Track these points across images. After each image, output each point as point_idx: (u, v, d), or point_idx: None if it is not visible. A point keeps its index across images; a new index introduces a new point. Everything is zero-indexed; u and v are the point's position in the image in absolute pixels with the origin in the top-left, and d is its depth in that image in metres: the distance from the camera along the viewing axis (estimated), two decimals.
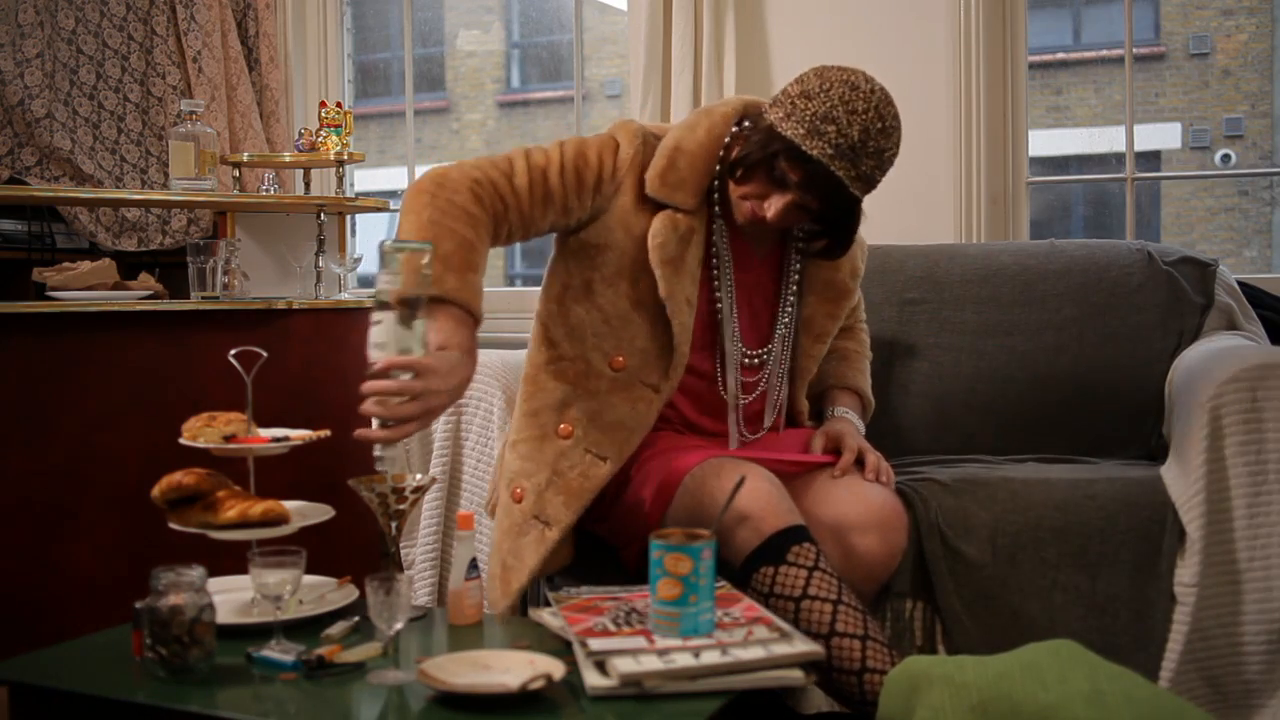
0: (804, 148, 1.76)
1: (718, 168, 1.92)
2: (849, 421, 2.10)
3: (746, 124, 1.90)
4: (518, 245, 10.32)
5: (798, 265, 2.03)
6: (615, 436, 1.90)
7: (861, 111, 1.76)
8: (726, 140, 1.91)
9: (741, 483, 1.71)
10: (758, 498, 1.74)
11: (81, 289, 2.81)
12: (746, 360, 1.99)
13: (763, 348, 2.01)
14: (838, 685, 1.67)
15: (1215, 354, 2.18)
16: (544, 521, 1.89)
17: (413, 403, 1.61)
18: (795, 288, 2.03)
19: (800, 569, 1.70)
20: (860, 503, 1.87)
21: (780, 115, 1.80)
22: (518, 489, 1.93)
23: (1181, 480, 1.99)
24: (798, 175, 1.78)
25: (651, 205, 1.89)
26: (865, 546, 1.84)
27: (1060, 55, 7.55)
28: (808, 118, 1.76)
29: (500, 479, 2.00)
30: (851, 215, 1.87)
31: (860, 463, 1.97)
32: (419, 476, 1.74)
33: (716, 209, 1.94)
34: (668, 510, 1.84)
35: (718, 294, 1.95)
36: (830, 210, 1.83)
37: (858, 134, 1.75)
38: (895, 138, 1.80)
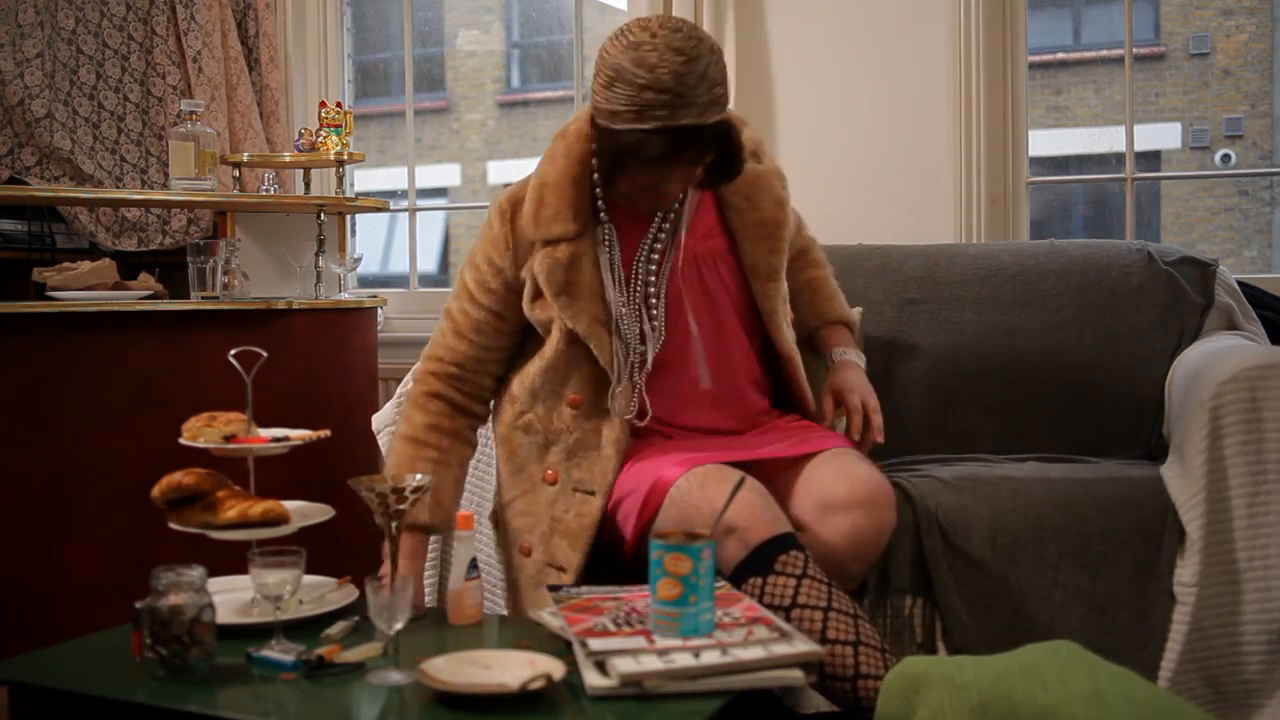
0: (643, 128, 1.75)
1: (595, 177, 1.93)
2: (852, 364, 2.12)
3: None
4: None
5: (662, 228, 1.99)
6: (596, 468, 1.94)
7: (659, 63, 1.73)
8: (594, 149, 1.91)
9: (742, 483, 1.71)
10: (743, 508, 1.73)
11: (81, 289, 2.81)
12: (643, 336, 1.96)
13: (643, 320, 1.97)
14: (832, 691, 1.67)
15: (1215, 354, 2.18)
16: (557, 567, 1.93)
17: None
18: (658, 254, 1.98)
19: (789, 578, 1.69)
20: (847, 481, 1.86)
21: (605, 115, 1.80)
22: (525, 544, 1.98)
23: (1181, 480, 1.99)
24: (660, 149, 1.77)
25: (545, 248, 1.93)
26: (852, 524, 1.83)
27: (1060, 55, 7.54)
28: (625, 102, 1.75)
29: (506, 541, 2.05)
30: (728, 139, 1.84)
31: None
32: (419, 476, 1.74)
33: (604, 217, 1.95)
34: (655, 524, 1.84)
35: (637, 289, 1.96)
36: (709, 148, 1.82)
37: (672, 82, 1.73)
38: (703, 53, 1.76)
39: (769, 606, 1.67)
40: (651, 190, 1.87)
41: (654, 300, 1.96)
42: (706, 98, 1.76)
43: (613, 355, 1.92)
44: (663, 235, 1.98)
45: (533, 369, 1.99)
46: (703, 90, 1.75)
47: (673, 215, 1.99)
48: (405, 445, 2.01)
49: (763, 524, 1.74)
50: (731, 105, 3.12)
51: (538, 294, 1.94)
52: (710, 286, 2.01)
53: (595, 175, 1.93)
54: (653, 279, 1.97)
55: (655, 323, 1.95)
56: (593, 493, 1.92)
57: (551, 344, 1.95)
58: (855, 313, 2.32)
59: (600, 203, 1.95)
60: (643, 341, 1.94)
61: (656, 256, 1.98)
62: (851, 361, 2.13)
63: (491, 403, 2.10)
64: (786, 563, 1.71)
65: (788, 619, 1.66)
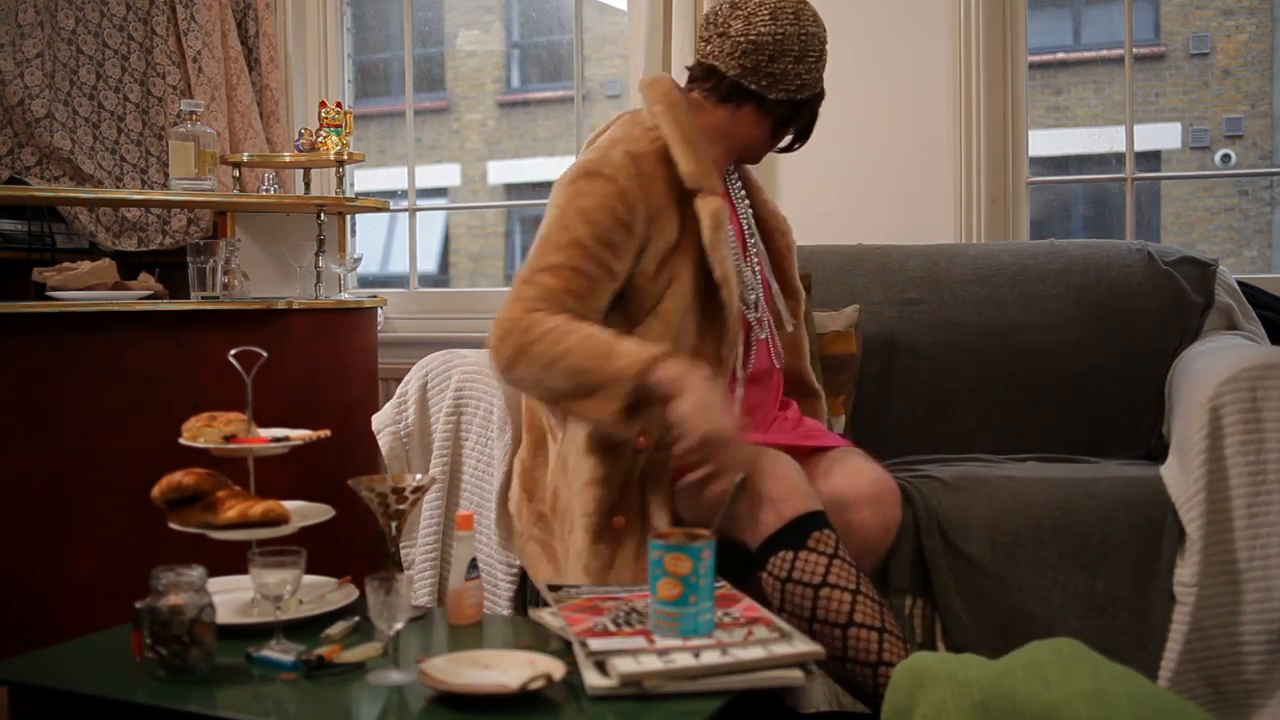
0: (820, 85, 1.98)
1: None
2: None
3: (728, 96, 1.95)
4: (517, 245, 10.25)
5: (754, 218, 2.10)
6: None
7: (820, 26, 1.96)
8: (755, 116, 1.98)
9: (742, 482, 1.71)
10: (780, 479, 1.75)
11: (81, 289, 2.81)
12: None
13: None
14: (851, 676, 1.67)
15: (1215, 354, 2.18)
16: (648, 527, 1.85)
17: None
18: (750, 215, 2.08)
19: (821, 555, 1.71)
20: (855, 478, 1.90)
21: (794, 89, 1.94)
22: (620, 518, 1.87)
23: (1181, 480, 1.99)
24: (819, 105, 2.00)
25: (676, 202, 1.88)
26: (862, 521, 1.87)
27: (1060, 55, 7.54)
28: (816, 63, 1.96)
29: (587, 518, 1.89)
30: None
31: None
32: (419, 476, 1.74)
33: (738, 181, 2.05)
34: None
35: (755, 260, 2.01)
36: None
37: (822, 31, 1.97)
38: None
39: (798, 582, 1.69)
40: (775, 141, 2.03)
41: (758, 267, 2.03)
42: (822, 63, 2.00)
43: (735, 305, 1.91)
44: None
45: (657, 330, 1.87)
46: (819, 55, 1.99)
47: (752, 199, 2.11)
48: (578, 333, 1.75)
49: (798, 497, 1.75)
50: None
51: (672, 249, 1.87)
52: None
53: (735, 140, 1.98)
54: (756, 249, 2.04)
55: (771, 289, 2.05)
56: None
57: (675, 307, 1.87)
58: (853, 310, 2.34)
59: (732, 172, 2.05)
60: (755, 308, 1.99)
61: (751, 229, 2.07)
62: None
63: None
64: (819, 540, 1.72)
65: (816, 598, 1.67)
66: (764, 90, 1.93)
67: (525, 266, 1.86)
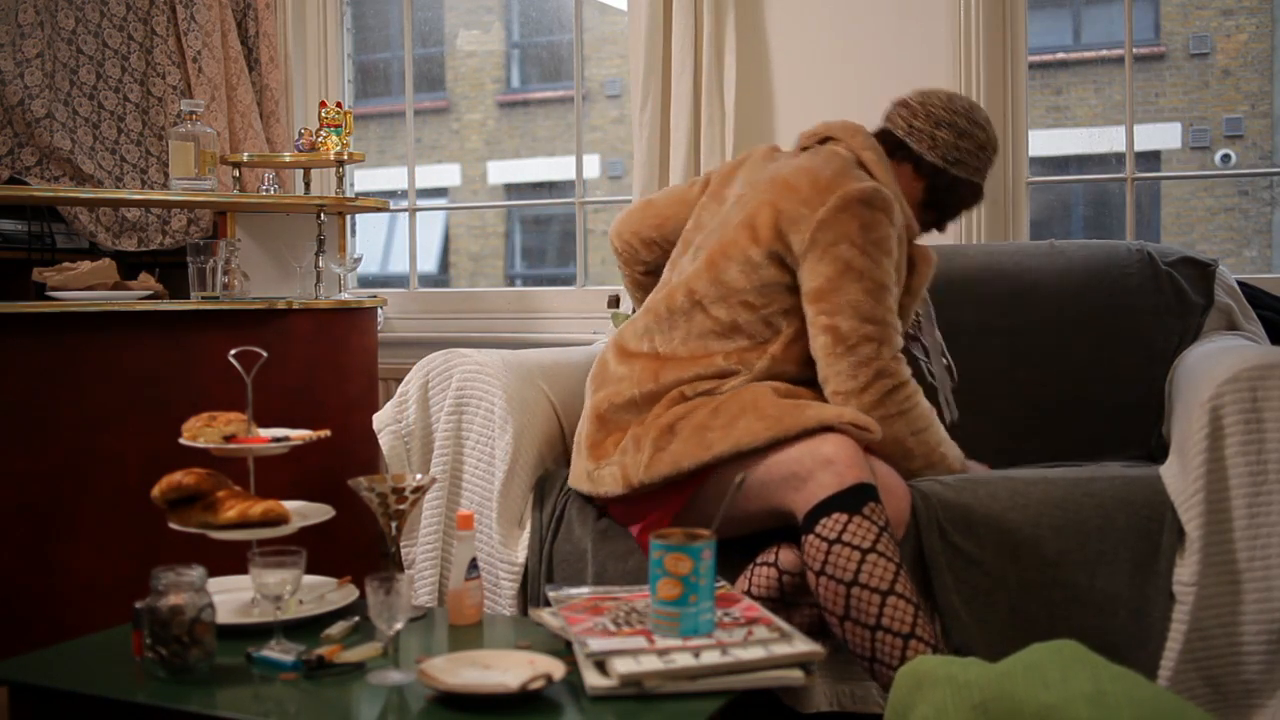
0: (982, 182, 2.26)
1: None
2: None
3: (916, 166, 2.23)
4: (517, 245, 10.28)
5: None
6: None
7: (991, 135, 2.25)
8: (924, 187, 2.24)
9: (742, 482, 1.71)
10: (843, 446, 1.82)
11: (81, 289, 2.81)
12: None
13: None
14: (877, 645, 1.71)
15: (1215, 354, 2.18)
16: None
17: None
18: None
19: (873, 524, 1.77)
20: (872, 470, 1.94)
21: (965, 166, 2.21)
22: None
23: (1181, 480, 1.99)
24: (977, 201, 2.28)
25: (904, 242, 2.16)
26: None
27: (1060, 55, 7.54)
28: (982, 159, 2.23)
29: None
30: None
31: None
32: (419, 476, 1.75)
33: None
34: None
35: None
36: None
37: (997, 145, 2.28)
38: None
39: (847, 544, 1.75)
40: (933, 226, 2.30)
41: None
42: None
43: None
44: None
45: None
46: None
47: None
48: (924, 403, 2.11)
49: (858, 466, 1.82)
50: (730, 105, 3.14)
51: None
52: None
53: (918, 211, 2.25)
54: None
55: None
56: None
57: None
58: None
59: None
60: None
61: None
62: None
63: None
64: (874, 510, 1.79)
65: (862, 562, 1.74)
66: (919, 146, 2.19)
67: (855, 302, 2.04)
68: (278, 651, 1.55)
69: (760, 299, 2.06)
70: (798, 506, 1.82)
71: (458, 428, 2.37)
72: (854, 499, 1.78)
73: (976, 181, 2.24)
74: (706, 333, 2.08)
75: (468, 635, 1.71)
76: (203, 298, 2.85)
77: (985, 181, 2.26)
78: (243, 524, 1.74)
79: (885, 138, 2.23)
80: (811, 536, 1.77)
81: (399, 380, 2.57)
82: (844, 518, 1.76)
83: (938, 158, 2.19)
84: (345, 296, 3.27)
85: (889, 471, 1.98)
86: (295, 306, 2.95)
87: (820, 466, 1.80)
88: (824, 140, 2.23)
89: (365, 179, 5.26)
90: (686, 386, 2.04)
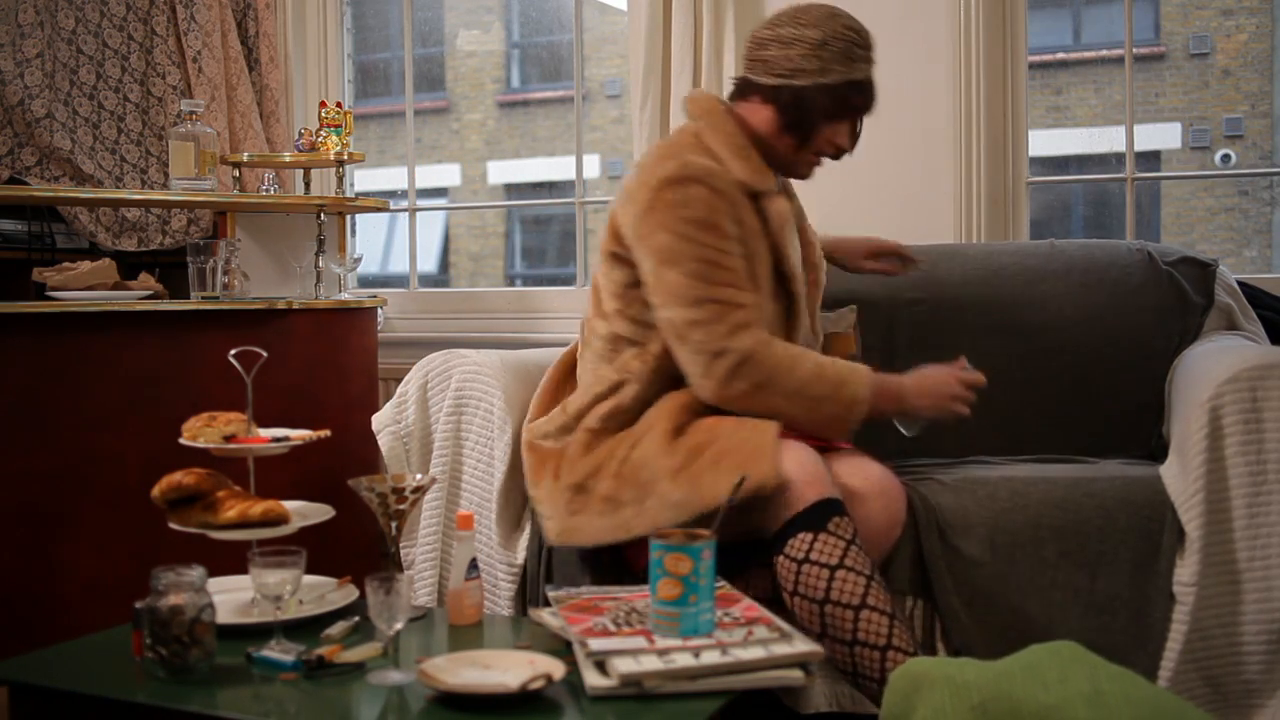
0: (855, 78, 2.05)
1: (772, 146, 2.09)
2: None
3: (766, 96, 2.07)
4: (517, 245, 10.28)
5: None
6: None
7: (854, 24, 2.07)
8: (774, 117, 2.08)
9: (742, 482, 1.71)
10: (803, 465, 1.79)
11: (81, 289, 2.81)
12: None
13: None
14: (858, 659, 1.69)
15: (1215, 354, 2.18)
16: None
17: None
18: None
19: (840, 540, 1.75)
20: (860, 473, 1.93)
21: (807, 72, 2.03)
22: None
23: (1181, 480, 1.99)
24: (865, 100, 2.09)
25: (749, 199, 2.04)
26: (866, 515, 1.89)
27: (1060, 55, 7.54)
28: (839, 56, 2.04)
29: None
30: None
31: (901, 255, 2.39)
32: (419, 476, 1.75)
33: (777, 185, 2.11)
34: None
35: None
36: (871, 105, 2.11)
37: (869, 37, 2.08)
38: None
39: (815, 563, 1.73)
40: (824, 149, 2.09)
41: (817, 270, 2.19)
42: (872, 53, 2.10)
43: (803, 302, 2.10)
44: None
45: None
46: (868, 47, 2.09)
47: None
48: (806, 365, 1.95)
49: (820, 483, 1.79)
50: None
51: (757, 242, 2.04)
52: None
53: (776, 140, 2.08)
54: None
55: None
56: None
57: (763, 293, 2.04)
58: (850, 310, 2.35)
59: (776, 177, 2.12)
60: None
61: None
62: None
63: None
64: (839, 525, 1.76)
65: (831, 579, 1.71)
66: (758, 75, 2.06)
67: (676, 288, 1.94)
68: (278, 651, 1.55)
69: (623, 303, 2.04)
70: (766, 527, 1.81)
71: (457, 428, 2.37)
72: (817, 517, 1.76)
73: (828, 82, 2.03)
74: (597, 355, 2.09)
75: (468, 635, 1.71)
76: (203, 298, 2.85)
77: (851, 76, 2.05)
78: (243, 524, 1.74)
79: (737, 86, 2.13)
80: (781, 558, 1.76)
81: (399, 380, 2.56)
82: (810, 536, 1.75)
83: (772, 77, 2.05)
84: (345, 296, 3.27)
85: (884, 474, 1.95)
86: (295, 306, 2.94)
87: (779, 488, 1.77)
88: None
89: (365, 179, 5.25)
90: (589, 417, 2.03)
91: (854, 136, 2.12)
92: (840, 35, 2.03)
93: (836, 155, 2.12)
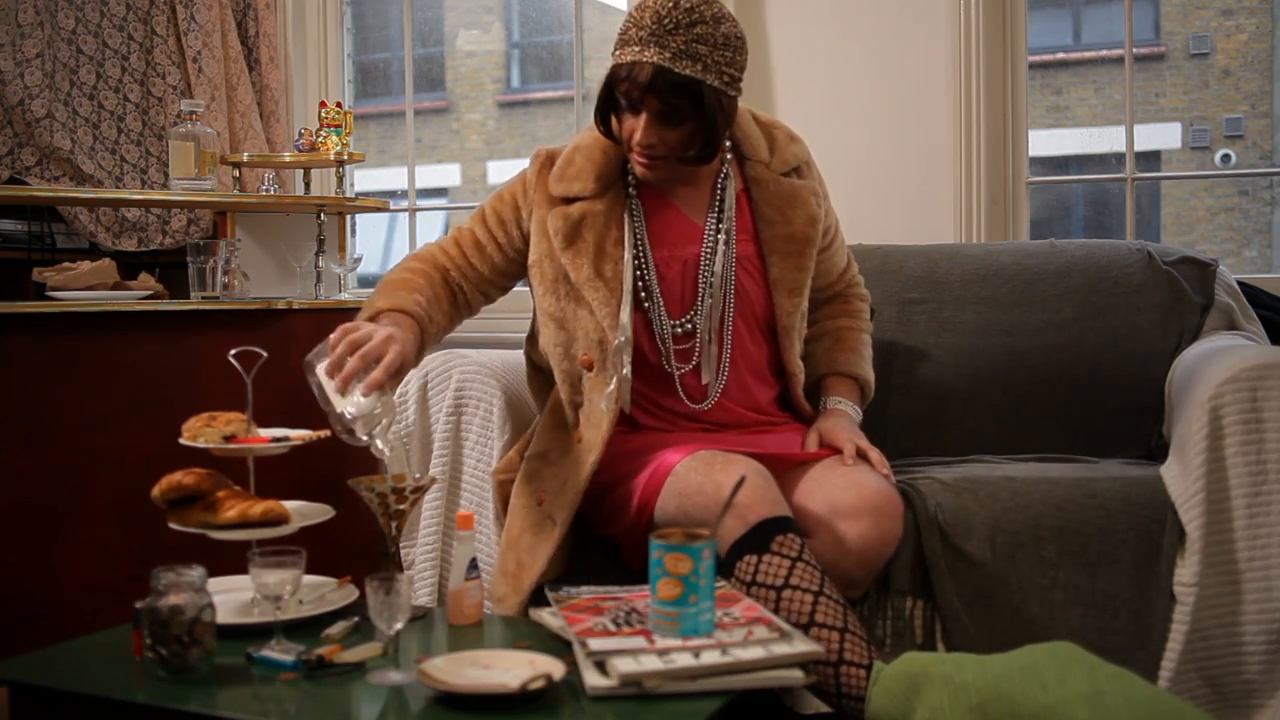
0: (622, 60, 1.85)
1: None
2: (844, 413, 2.11)
3: None
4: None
5: (718, 217, 2.04)
6: (597, 424, 1.97)
7: (650, 3, 1.85)
8: None
9: (742, 482, 1.71)
10: (745, 487, 1.74)
11: (81, 289, 2.81)
12: (676, 329, 2.01)
13: (688, 313, 2.02)
14: (815, 674, 1.67)
15: (1215, 354, 2.18)
16: (552, 520, 1.96)
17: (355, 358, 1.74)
18: (723, 243, 2.02)
19: (784, 559, 1.70)
20: (854, 489, 1.87)
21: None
22: (541, 494, 2.00)
23: (1181, 480, 1.99)
24: (629, 85, 1.85)
25: (562, 205, 2.01)
26: (859, 533, 1.83)
27: (1060, 55, 7.55)
28: (617, 40, 1.89)
29: (524, 485, 2.05)
30: (700, 104, 1.86)
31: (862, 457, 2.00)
32: (419, 476, 1.75)
33: (632, 190, 2.03)
34: (657, 504, 1.86)
35: (640, 269, 2.00)
36: (680, 106, 1.86)
37: (650, 18, 1.83)
38: (701, 13, 1.84)
39: (761, 585, 1.69)
40: (629, 140, 1.93)
41: (707, 285, 2.02)
42: (681, 46, 1.82)
43: (614, 313, 1.95)
44: (713, 226, 2.05)
45: (549, 333, 2.03)
46: (680, 37, 1.82)
47: (718, 209, 2.05)
48: (399, 273, 2.04)
49: (763, 504, 1.75)
50: None
51: (550, 247, 2.00)
52: (741, 288, 2.04)
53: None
54: (707, 268, 2.02)
55: (700, 304, 2.02)
56: (590, 450, 1.95)
57: (557, 306, 2.01)
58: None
59: (631, 176, 2.03)
60: (676, 316, 2.01)
61: (712, 246, 2.03)
62: (844, 411, 2.13)
63: (461, 314, 2.16)
64: (783, 544, 1.72)
65: (778, 599, 1.67)
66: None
67: None
68: (278, 651, 1.55)
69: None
70: (718, 549, 1.77)
71: (457, 428, 2.36)
72: (760, 538, 1.72)
73: (612, 66, 1.91)
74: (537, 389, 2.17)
75: (468, 635, 1.71)
76: (203, 298, 2.85)
77: (617, 60, 1.88)
78: (243, 524, 1.74)
79: None
80: (733, 580, 1.74)
81: None
82: (754, 559, 1.71)
83: None
84: (345, 296, 3.27)
85: (879, 489, 1.88)
86: (295, 306, 2.94)
87: (725, 512, 1.73)
88: None
89: (365, 179, 5.25)
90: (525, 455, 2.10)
91: (653, 129, 1.89)
92: (629, 15, 1.88)
93: (641, 149, 1.92)
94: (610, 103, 1.92)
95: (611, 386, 1.95)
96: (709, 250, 2.02)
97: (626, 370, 1.95)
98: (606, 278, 1.96)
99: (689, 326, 2.01)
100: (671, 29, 1.81)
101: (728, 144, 2.05)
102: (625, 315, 1.95)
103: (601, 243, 1.98)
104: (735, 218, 2.05)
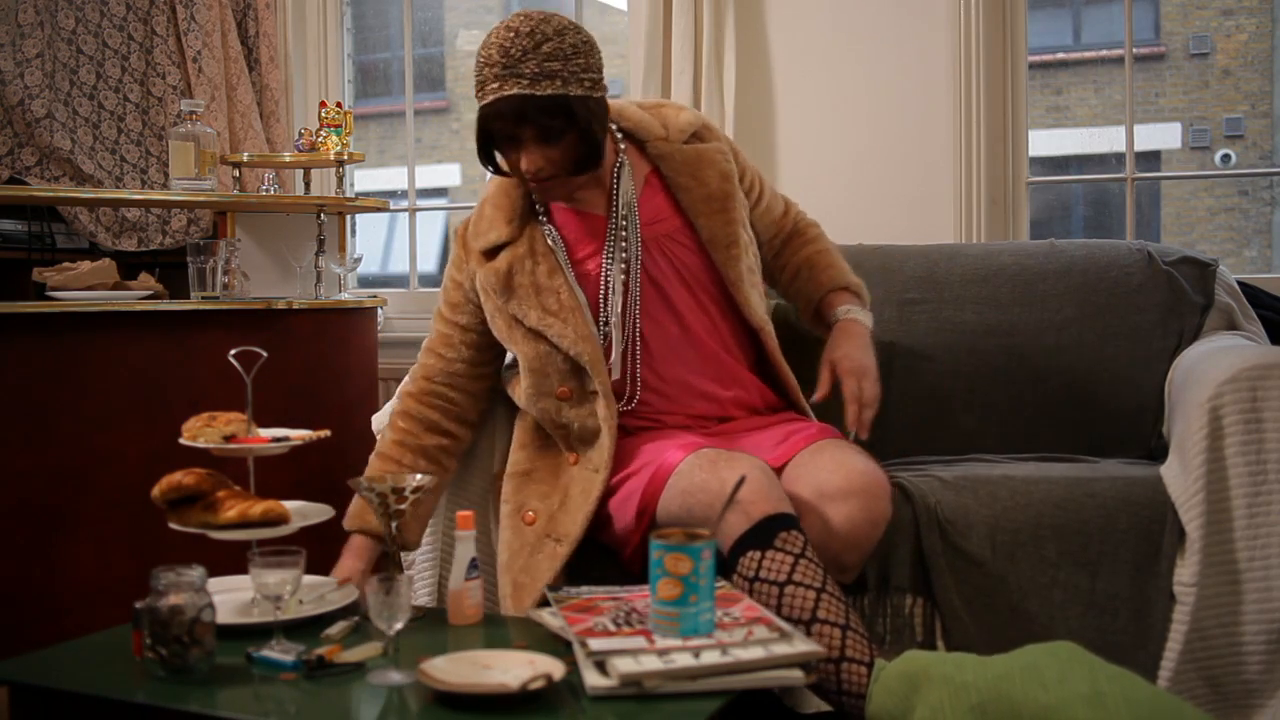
0: (484, 103, 1.89)
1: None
2: (855, 323, 2.13)
3: None
4: None
5: (616, 220, 2.05)
6: (594, 445, 2.00)
7: (492, 39, 1.88)
8: None
9: (742, 481, 1.71)
10: (749, 484, 1.75)
11: (81, 289, 2.81)
12: (603, 331, 2.03)
13: (601, 315, 2.04)
14: (816, 673, 1.67)
15: (1215, 354, 2.18)
16: (555, 539, 1.96)
17: None
18: (616, 240, 2.03)
19: (787, 555, 1.71)
20: (841, 470, 1.86)
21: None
22: (529, 514, 2.01)
23: (1181, 480, 1.99)
24: (500, 122, 1.90)
25: (488, 261, 2.05)
26: (846, 514, 1.83)
27: (1060, 55, 7.54)
28: (476, 83, 1.91)
29: (505, 505, 2.07)
30: (572, 117, 1.90)
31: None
32: (419, 476, 1.74)
33: (542, 218, 2.06)
34: (660, 504, 1.86)
35: (571, 286, 2.02)
36: (549, 122, 1.89)
37: (497, 54, 1.87)
38: (542, 32, 1.87)
39: (764, 581, 1.69)
40: (519, 172, 1.95)
41: (625, 281, 2.02)
42: (535, 70, 1.86)
43: (581, 333, 1.97)
44: (623, 223, 2.05)
45: (526, 379, 2.04)
46: (531, 62, 1.86)
47: (616, 202, 2.05)
48: (374, 461, 2.11)
49: (767, 500, 1.76)
50: (730, 105, 3.13)
51: (493, 303, 2.04)
52: (676, 264, 2.07)
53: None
54: (624, 265, 2.03)
55: (629, 303, 2.03)
56: (597, 470, 1.96)
57: (523, 351, 2.02)
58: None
59: (538, 205, 2.06)
60: (608, 323, 2.01)
61: (623, 243, 2.04)
62: (856, 320, 2.13)
63: (469, 426, 2.16)
64: (786, 540, 1.72)
65: (781, 595, 1.67)
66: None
67: None
68: (278, 651, 1.55)
69: None
70: (720, 545, 1.77)
71: None
72: (764, 534, 1.73)
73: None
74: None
75: (468, 635, 1.71)
76: (203, 298, 2.85)
77: (481, 100, 1.90)
78: (243, 524, 1.74)
79: None
80: (735, 576, 1.75)
81: (399, 380, 2.56)
82: (758, 555, 1.72)
83: None
84: (345, 296, 3.27)
85: (866, 470, 1.87)
86: (295, 306, 2.94)
87: (728, 508, 1.75)
88: None
89: (365, 179, 5.26)
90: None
91: (537, 154, 1.91)
92: (478, 58, 1.89)
93: (534, 178, 1.94)
94: (489, 143, 1.95)
95: (604, 408, 1.97)
96: (609, 245, 2.04)
97: (615, 373, 2.00)
98: (555, 310, 1.99)
99: (607, 328, 2.03)
100: (520, 57, 1.85)
101: (619, 135, 2.09)
102: (592, 327, 2.00)
103: (535, 281, 2.01)
104: (651, 199, 2.08)
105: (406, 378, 2.17)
